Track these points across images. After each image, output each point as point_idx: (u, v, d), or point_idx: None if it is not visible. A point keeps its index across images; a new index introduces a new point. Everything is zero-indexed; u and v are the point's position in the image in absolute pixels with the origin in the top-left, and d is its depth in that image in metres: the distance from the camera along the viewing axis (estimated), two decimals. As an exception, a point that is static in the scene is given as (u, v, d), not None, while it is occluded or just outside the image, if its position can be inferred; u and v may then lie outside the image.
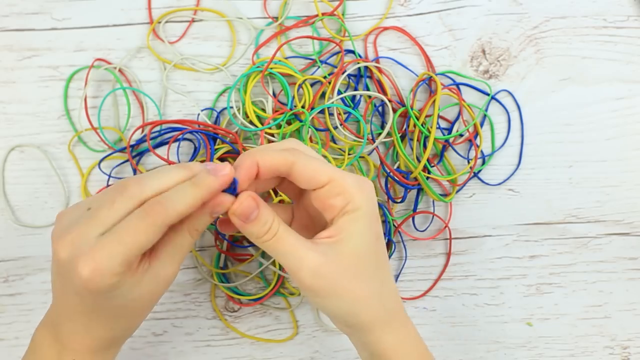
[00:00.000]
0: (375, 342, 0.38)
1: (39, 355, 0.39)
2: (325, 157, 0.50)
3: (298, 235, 0.36)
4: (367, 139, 0.51)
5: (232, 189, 0.35)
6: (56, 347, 0.38)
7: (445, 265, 0.53)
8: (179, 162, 0.51)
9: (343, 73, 0.50)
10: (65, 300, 0.37)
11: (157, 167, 0.36)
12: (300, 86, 0.51)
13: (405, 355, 0.39)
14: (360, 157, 0.51)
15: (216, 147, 0.50)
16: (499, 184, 0.53)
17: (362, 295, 0.37)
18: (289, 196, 0.41)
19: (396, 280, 0.53)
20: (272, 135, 0.50)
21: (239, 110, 0.51)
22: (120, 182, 0.35)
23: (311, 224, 0.40)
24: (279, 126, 0.50)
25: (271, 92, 0.51)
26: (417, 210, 0.52)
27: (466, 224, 0.53)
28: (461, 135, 0.53)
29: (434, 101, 0.50)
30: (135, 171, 0.51)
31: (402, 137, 0.52)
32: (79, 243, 0.33)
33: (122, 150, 0.51)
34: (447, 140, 0.52)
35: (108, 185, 0.51)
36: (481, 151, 0.53)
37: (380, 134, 0.51)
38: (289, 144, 0.38)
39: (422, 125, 0.50)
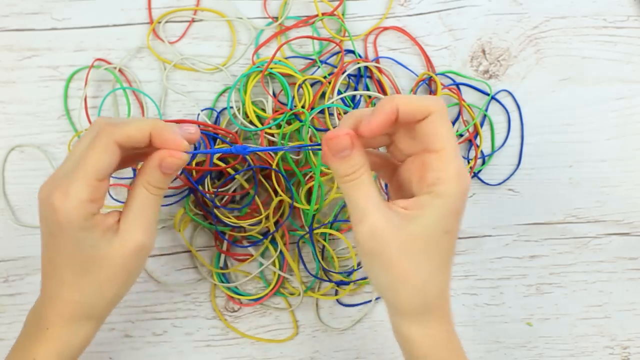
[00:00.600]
0: (402, 327, 0.38)
1: (24, 333, 0.40)
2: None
3: (378, 192, 0.36)
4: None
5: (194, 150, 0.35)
6: (36, 319, 0.39)
7: (445, 265, 0.53)
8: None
9: (343, 73, 0.50)
10: (45, 257, 0.38)
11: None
12: (300, 86, 0.51)
13: (430, 352, 0.38)
14: (360, 157, 0.51)
15: (216, 147, 0.50)
16: (499, 183, 0.53)
17: (407, 276, 0.36)
18: (394, 154, 0.40)
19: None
20: (272, 135, 0.50)
21: (239, 110, 0.51)
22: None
23: (400, 192, 0.39)
24: (279, 126, 0.50)
25: (271, 92, 0.51)
26: (417, 210, 0.52)
27: (466, 224, 0.53)
28: (461, 135, 0.53)
29: (434, 101, 0.50)
30: (135, 171, 0.51)
31: (402, 137, 0.52)
32: (52, 180, 0.36)
33: (122, 150, 0.51)
34: (447, 140, 0.52)
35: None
36: (481, 151, 0.53)
37: (380, 134, 0.51)
38: (438, 100, 0.36)
39: (422, 125, 0.50)
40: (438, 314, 0.39)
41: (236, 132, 0.50)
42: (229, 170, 0.49)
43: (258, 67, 0.50)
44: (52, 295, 0.38)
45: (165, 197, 0.51)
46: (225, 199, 0.50)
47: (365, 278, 0.52)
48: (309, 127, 0.49)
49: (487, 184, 0.53)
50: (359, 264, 0.51)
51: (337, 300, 0.52)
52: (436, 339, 0.38)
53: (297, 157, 0.50)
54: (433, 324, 0.38)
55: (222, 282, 0.51)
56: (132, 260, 0.38)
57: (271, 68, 0.50)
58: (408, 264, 0.36)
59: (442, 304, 0.39)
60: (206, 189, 0.49)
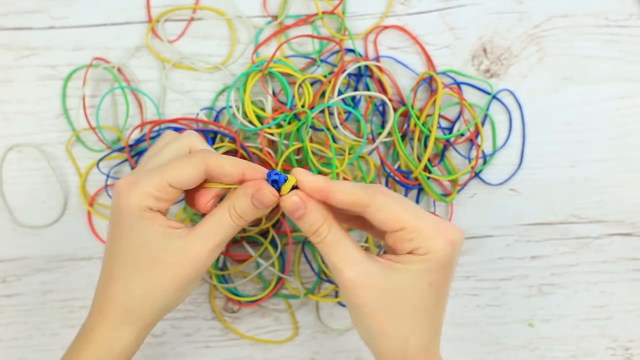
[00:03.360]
0: None
1: (78, 334, 0.40)
2: (329, 157, 0.50)
3: (349, 243, 0.36)
4: (367, 139, 0.51)
5: (279, 181, 0.37)
6: (87, 317, 0.39)
7: (446, 266, 0.52)
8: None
9: (343, 72, 0.50)
10: (106, 248, 0.39)
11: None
12: (300, 85, 0.50)
13: None
14: (360, 156, 0.51)
15: (215, 146, 0.50)
16: (500, 183, 0.53)
17: (387, 331, 0.36)
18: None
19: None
20: (272, 134, 0.50)
21: (238, 109, 0.50)
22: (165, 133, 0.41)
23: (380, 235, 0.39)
24: (278, 125, 0.50)
25: (271, 92, 0.51)
26: (418, 211, 0.52)
27: (467, 224, 0.53)
28: (462, 135, 0.52)
29: (434, 100, 0.50)
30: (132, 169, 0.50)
31: (403, 137, 0.52)
32: (132, 173, 0.38)
33: (120, 149, 0.51)
34: (448, 140, 0.51)
35: (107, 186, 0.51)
36: (482, 151, 0.52)
37: (380, 133, 0.51)
38: (373, 186, 0.37)
39: (422, 124, 0.50)
40: None
41: (235, 131, 0.50)
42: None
43: (257, 66, 0.50)
44: (100, 296, 0.39)
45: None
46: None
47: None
48: (309, 127, 0.49)
49: (489, 183, 0.53)
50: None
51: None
52: None
53: (298, 157, 0.50)
54: None
55: (222, 282, 0.51)
56: (187, 272, 0.37)
57: (271, 67, 0.50)
58: (388, 318, 0.36)
59: (422, 355, 0.37)
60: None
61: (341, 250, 0.36)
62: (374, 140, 0.51)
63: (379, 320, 0.36)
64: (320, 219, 0.37)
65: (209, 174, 0.38)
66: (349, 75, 0.52)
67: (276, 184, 0.37)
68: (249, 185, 0.37)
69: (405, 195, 0.51)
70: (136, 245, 0.37)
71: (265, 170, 0.38)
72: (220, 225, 0.38)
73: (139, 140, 0.51)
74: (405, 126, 0.51)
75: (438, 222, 0.36)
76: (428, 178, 0.51)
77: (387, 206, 0.36)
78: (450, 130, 0.52)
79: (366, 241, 0.51)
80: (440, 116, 0.52)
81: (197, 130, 0.50)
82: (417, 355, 0.37)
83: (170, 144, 0.40)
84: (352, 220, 0.40)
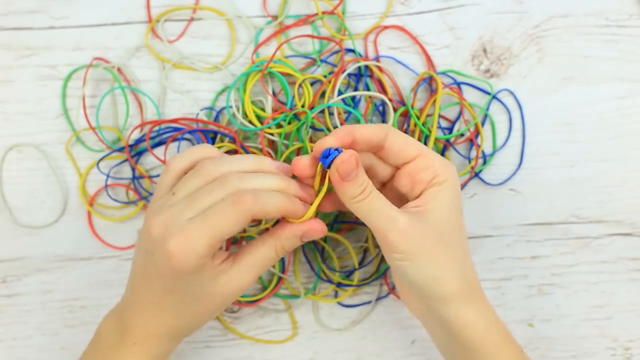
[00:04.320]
0: (455, 315, 0.39)
1: (102, 342, 0.41)
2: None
3: (387, 200, 0.38)
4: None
5: (329, 156, 0.37)
6: (120, 332, 0.40)
7: (446, 266, 0.52)
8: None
9: (343, 72, 0.50)
10: (142, 281, 0.39)
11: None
12: (300, 85, 0.50)
13: (486, 330, 0.39)
14: (360, 156, 0.51)
15: (215, 146, 0.49)
16: (500, 183, 0.53)
17: (448, 262, 0.38)
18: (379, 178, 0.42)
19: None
20: (272, 134, 0.50)
21: (238, 109, 0.50)
22: (204, 168, 0.39)
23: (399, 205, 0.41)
24: (278, 125, 0.50)
25: (271, 92, 0.51)
26: (418, 211, 0.52)
27: (467, 224, 0.52)
28: (462, 135, 0.52)
29: (434, 100, 0.50)
30: (134, 171, 0.50)
31: (403, 137, 0.52)
32: (170, 223, 0.37)
33: (120, 149, 0.51)
34: (448, 140, 0.51)
35: (107, 186, 0.51)
36: (482, 151, 0.52)
37: (380, 133, 0.51)
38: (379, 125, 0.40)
39: (422, 124, 0.50)
40: (480, 295, 0.41)
41: (235, 131, 0.50)
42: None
43: (257, 66, 0.50)
44: (144, 313, 0.40)
45: (164, 197, 0.51)
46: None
47: (366, 279, 0.51)
48: (309, 127, 0.49)
49: (488, 183, 0.53)
50: (360, 264, 0.51)
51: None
52: (487, 319, 0.40)
53: (296, 157, 0.50)
54: (481, 305, 0.40)
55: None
56: (230, 298, 0.40)
57: (271, 67, 0.50)
58: (444, 250, 0.38)
59: (479, 284, 0.41)
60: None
61: (387, 202, 0.38)
62: (374, 140, 0.51)
63: (439, 255, 0.38)
64: (366, 177, 0.38)
65: (257, 219, 0.38)
66: (349, 75, 0.52)
67: (327, 161, 0.38)
68: (296, 227, 0.39)
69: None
70: (189, 293, 0.38)
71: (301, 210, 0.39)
72: (264, 261, 0.39)
73: (139, 140, 0.51)
74: (405, 126, 0.51)
75: (440, 156, 0.40)
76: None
77: (402, 135, 0.39)
78: (450, 130, 0.52)
79: (366, 241, 0.51)
80: (440, 116, 0.52)
81: (197, 131, 0.50)
82: (474, 279, 0.40)
83: (199, 175, 0.39)
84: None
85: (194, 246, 0.36)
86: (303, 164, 0.39)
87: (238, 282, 0.39)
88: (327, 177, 0.39)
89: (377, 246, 0.51)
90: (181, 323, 0.40)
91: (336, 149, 0.37)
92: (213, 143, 0.50)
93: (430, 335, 0.44)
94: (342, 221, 0.51)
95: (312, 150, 0.49)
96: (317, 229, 0.39)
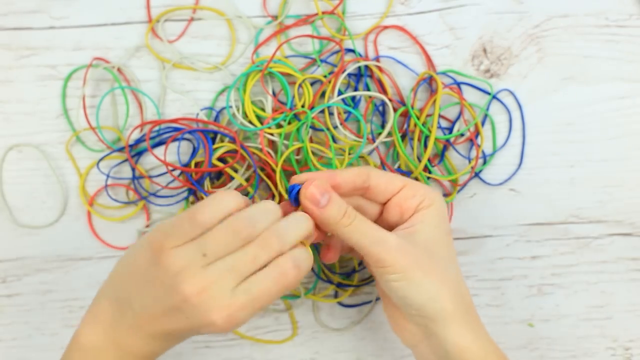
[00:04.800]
0: (453, 336, 0.38)
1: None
2: (330, 157, 0.50)
3: (375, 224, 0.39)
4: (367, 139, 0.51)
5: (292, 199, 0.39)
6: (116, 352, 0.38)
7: (446, 266, 0.52)
8: (179, 162, 0.51)
9: (343, 72, 0.50)
10: (148, 317, 0.37)
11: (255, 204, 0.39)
12: (300, 85, 0.50)
13: (485, 355, 0.39)
14: (360, 157, 0.51)
15: (215, 146, 0.50)
16: (500, 183, 0.53)
17: (443, 280, 0.38)
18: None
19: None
20: (272, 134, 0.50)
21: (238, 109, 0.50)
22: (236, 226, 0.36)
23: None
24: (278, 125, 0.50)
25: (271, 92, 0.51)
26: (418, 211, 0.52)
27: (467, 224, 0.53)
28: (462, 135, 0.52)
29: (434, 100, 0.50)
30: (134, 171, 0.50)
31: (403, 137, 0.52)
32: (212, 295, 0.35)
33: (120, 150, 0.51)
34: (448, 140, 0.51)
35: (107, 186, 0.51)
36: (482, 151, 0.52)
37: (380, 133, 0.51)
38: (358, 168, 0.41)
39: (422, 124, 0.50)
40: (475, 315, 0.40)
41: (235, 131, 0.50)
42: (228, 170, 0.49)
43: (257, 66, 0.50)
44: (140, 341, 0.38)
45: (165, 197, 0.51)
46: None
47: (366, 280, 0.51)
48: (309, 127, 0.49)
49: (489, 183, 0.53)
50: (360, 264, 0.51)
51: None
52: (484, 342, 0.39)
53: (298, 157, 0.50)
54: (477, 326, 0.40)
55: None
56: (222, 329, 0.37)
57: (271, 67, 0.50)
58: (438, 270, 0.38)
59: (473, 304, 0.41)
60: (206, 189, 0.49)
61: (372, 225, 0.39)
62: (374, 140, 0.51)
63: (434, 273, 0.38)
64: (344, 202, 0.38)
65: None
66: (349, 75, 0.52)
67: (293, 195, 0.39)
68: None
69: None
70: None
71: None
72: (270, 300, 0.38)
73: (139, 140, 0.51)
74: (405, 126, 0.51)
75: (424, 184, 0.42)
76: (428, 178, 0.51)
77: (384, 173, 0.41)
78: (450, 130, 0.52)
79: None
80: (440, 116, 0.52)
81: (197, 131, 0.50)
82: (469, 297, 0.40)
83: (247, 254, 0.37)
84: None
85: (238, 321, 0.36)
86: (284, 207, 0.39)
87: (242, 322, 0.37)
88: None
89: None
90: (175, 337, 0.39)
91: (300, 184, 0.38)
92: (213, 143, 0.50)
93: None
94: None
95: (311, 152, 0.49)
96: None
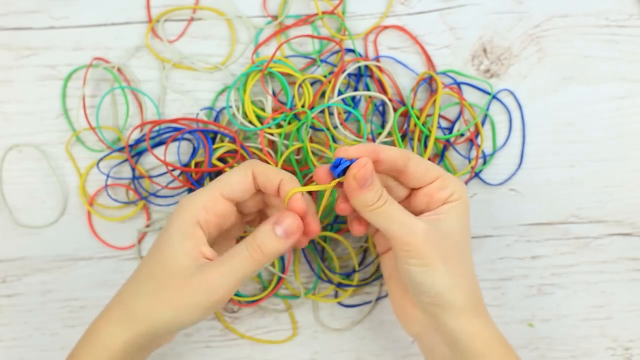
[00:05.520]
0: (464, 326, 0.39)
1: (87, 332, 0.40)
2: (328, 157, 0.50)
3: (403, 208, 0.39)
4: (367, 139, 0.51)
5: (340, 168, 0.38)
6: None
7: (446, 266, 0.52)
8: (179, 162, 0.51)
9: (343, 72, 0.50)
10: (148, 252, 0.40)
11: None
12: (300, 85, 0.50)
13: (492, 342, 0.40)
14: (360, 156, 0.51)
15: (215, 146, 0.50)
16: (500, 183, 0.53)
17: (461, 271, 0.39)
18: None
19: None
20: (272, 134, 0.50)
21: (238, 109, 0.50)
22: None
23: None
24: (278, 125, 0.50)
25: (271, 92, 0.51)
26: (418, 211, 0.52)
27: (467, 224, 0.53)
28: (462, 135, 0.52)
29: (434, 100, 0.50)
30: (134, 171, 0.50)
31: (403, 137, 0.52)
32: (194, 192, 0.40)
33: (120, 149, 0.51)
34: (448, 140, 0.51)
35: (107, 186, 0.51)
36: (482, 151, 0.52)
37: (380, 133, 0.51)
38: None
39: (422, 124, 0.50)
40: (484, 309, 0.41)
41: (235, 131, 0.50)
42: (228, 170, 0.49)
43: (257, 66, 0.50)
44: (124, 294, 0.40)
45: (165, 197, 0.51)
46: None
47: (366, 280, 0.51)
48: (309, 127, 0.49)
49: (489, 183, 0.53)
50: (360, 264, 0.51)
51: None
52: (492, 332, 0.40)
53: (298, 157, 0.50)
54: (485, 318, 0.41)
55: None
56: (198, 301, 0.38)
57: (271, 67, 0.50)
58: (458, 259, 0.39)
59: (482, 298, 0.41)
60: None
61: (404, 210, 0.39)
62: (374, 140, 0.51)
63: (454, 264, 0.39)
64: (380, 185, 0.38)
65: (258, 183, 0.40)
66: (349, 75, 0.52)
67: (339, 170, 0.38)
68: (269, 218, 0.39)
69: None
70: (163, 254, 0.38)
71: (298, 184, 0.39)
72: (240, 263, 0.38)
73: (139, 140, 0.51)
74: (405, 126, 0.51)
75: (456, 177, 0.42)
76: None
77: (423, 160, 0.41)
78: (450, 130, 0.52)
79: (366, 241, 0.51)
80: (440, 116, 0.52)
81: (197, 131, 0.50)
82: (480, 293, 0.41)
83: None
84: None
85: (196, 195, 0.38)
86: (324, 171, 0.39)
87: (212, 285, 0.37)
88: (330, 186, 0.39)
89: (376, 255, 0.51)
90: (139, 301, 0.38)
91: (349, 160, 0.38)
92: (213, 143, 0.50)
93: (428, 355, 0.43)
94: (342, 221, 0.51)
95: (311, 152, 0.49)
96: (290, 217, 0.38)
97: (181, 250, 0.38)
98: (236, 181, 0.39)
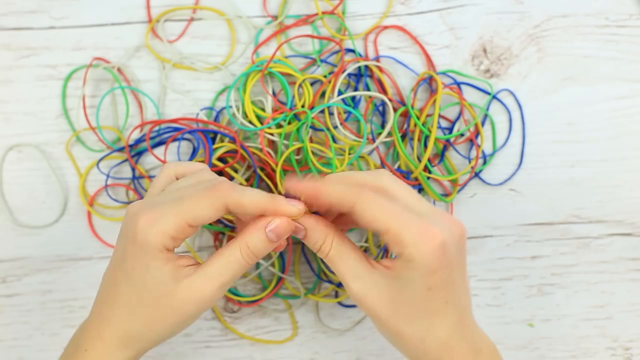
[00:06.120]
0: None
1: (65, 351, 0.40)
2: (329, 157, 0.50)
3: (352, 256, 0.37)
4: (367, 139, 0.51)
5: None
6: (77, 338, 0.39)
7: (446, 266, 0.52)
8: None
9: (343, 72, 0.50)
10: (108, 272, 0.39)
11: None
12: (300, 85, 0.50)
13: None
14: (360, 156, 0.51)
15: (215, 146, 0.50)
16: (501, 183, 0.53)
17: (402, 334, 0.37)
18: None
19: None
20: (272, 134, 0.50)
21: (238, 109, 0.50)
22: (198, 173, 0.40)
23: None
24: (278, 125, 0.50)
25: (271, 92, 0.51)
26: (418, 211, 0.52)
27: (467, 224, 0.52)
28: (462, 135, 0.52)
29: (434, 100, 0.50)
30: (134, 171, 0.50)
31: (403, 137, 0.52)
32: (146, 204, 0.37)
33: (120, 150, 0.51)
34: (448, 140, 0.51)
35: (107, 186, 0.51)
36: (482, 151, 0.52)
37: (380, 133, 0.51)
38: (374, 176, 0.37)
39: (422, 124, 0.50)
40: (486, 353, 0.39)
41: (235, 131, 0.50)
42: (228, 170, 0.49)
43: (257, 66, 0.50)
44: (99, 316, 0.39)
45: (164, 197, 0.51)
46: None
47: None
48: (309, 127, 0.49)
49: (489, 183, 0.53)
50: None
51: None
52: None
53: (298, 157, 0.50)
54: None
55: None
56: (190, 309, 0.37)
57: (271, 67, 0.50)
58: (400, 322, 0.37)
59: (450, 354, 0.37)
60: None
61: (344, 265, 0.37)
62: (374, 140, 0.51)
63: (392, 325, 0.37)
64: (321, 236, 0.37)
65: (230, 211, 0.37)
66: (349, 75, 0.52)
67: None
68: (260, 220, 0.37)
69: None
70: (146, 282, 0.37)
71: (283, 202, 0.37)
72: (228, 265, 0.37)
73: (139, 140, 0.51)
74: (405, 126, 0.51)
75: (426, 225, 0.34)
76: (428, 178, 0.51)
77: (373, 206, 0.35)
78: (450, 130, 0.52)
79: (366, 241, 0.51)
80: (440, 116, 0.52)
81: (197, 131, 0.50)
82: (436, 351, 0.37)
83: (189, 178, 0.39)
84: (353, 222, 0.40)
85: (161, 222, 0.35)
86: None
87: (199, 290, 0.36)
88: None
89: (378, 246, 0.51)
90: (133, 327, 0.38)
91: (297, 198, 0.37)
92: (213, 143, 0.50)
93: None
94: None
95: (311, 152, 0.49)
96: (281, 222, 0.37)
97: (161, 276, 0.36)
98: (205, 213, 0.36)
